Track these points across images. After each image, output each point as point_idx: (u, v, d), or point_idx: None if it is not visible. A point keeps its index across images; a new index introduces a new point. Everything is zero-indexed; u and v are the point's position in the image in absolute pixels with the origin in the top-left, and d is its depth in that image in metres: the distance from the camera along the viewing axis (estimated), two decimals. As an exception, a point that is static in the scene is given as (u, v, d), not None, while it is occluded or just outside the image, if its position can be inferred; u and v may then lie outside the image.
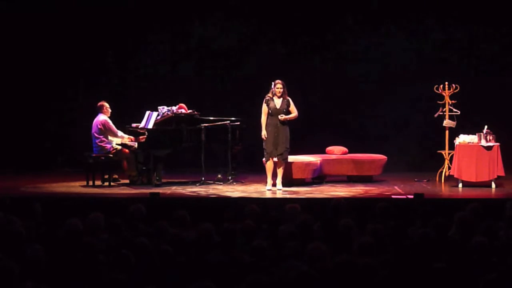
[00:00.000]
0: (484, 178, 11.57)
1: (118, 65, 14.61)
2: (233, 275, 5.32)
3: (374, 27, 14.41)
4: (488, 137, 11.66)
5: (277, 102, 11.42)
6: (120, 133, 12.00)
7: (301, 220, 6.81)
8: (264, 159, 11.48)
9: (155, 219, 7.19)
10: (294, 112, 11.42)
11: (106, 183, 11.82)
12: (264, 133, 11.40)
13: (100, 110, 12.00)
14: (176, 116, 11.99)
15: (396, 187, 11.75)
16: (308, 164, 12.10)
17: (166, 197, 10.39)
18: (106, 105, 12.01)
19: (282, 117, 11.32)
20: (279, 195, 11.02)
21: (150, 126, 11.84)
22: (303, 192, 11.20)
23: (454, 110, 12.49)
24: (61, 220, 7.02)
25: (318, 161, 12.30)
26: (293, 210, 7.59)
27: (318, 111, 14.25)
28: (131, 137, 12.00)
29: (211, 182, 11.93)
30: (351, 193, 11.13)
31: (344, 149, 12.87)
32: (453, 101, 12.49)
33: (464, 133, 11.88)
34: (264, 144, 11.42)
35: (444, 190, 11.79)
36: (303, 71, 14.25)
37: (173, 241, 6.16)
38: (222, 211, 8.51)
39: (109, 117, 11.98)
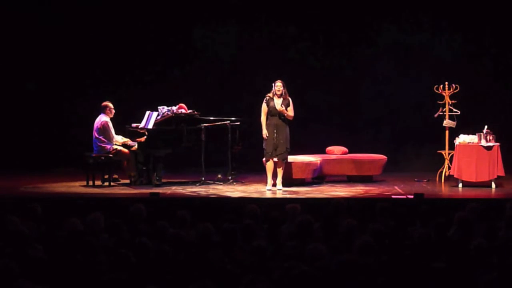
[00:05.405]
0: (484, 178, 11.56)
1: (119, 65, 14.58)
2: (233, 275, 5.32)
3: (376, 25, 14.41)
4: (488, 137, 11.65)
5: (277, 102, 11.38)
6: (115, 139, 11.95)
7: (301, 220, 6.80)
8: (264, 159, 11.48)
9: (155, 219, 7.19)
10: (291, 113, 11.40)
11: (106, 183, 11.81)
12: (265, 132, 11.37)
13: (103, 110, 11.97)
14: (176, 116, 11.99)
15: (396, 187, 11.74)
16: (308, 164, 12.10)
17: (166, 197, 10.38)
18: (110, 105, 11.97)
19: (281, 107, 11.27)
20: (279, 195, 11.01)
21: (150, 126, 11.83)
22: (303, 192, 11.20)
23: (454, 110, 12.49)
24: (61, 220, 7.02)
25: (318, 161, 12.30)
26: (293, 210, 7.60)
27: (318, 111, 14.25)
28: (126, 140, 11.96)
29: (211, 182, 11.92)
30: (351, 193, 11.12)
31: (344, 149, 12.86)
32: (453, 101, 12.49)
33: (464, 133, 11.88)
34: (264, 144, 11.41)
35: (444, 190, 11.79)
36: (303, 71, 14.25)
37: (173, 241, 6.16)
38: (222, 211, 8.51)
39: (112, 118, 11.96)
